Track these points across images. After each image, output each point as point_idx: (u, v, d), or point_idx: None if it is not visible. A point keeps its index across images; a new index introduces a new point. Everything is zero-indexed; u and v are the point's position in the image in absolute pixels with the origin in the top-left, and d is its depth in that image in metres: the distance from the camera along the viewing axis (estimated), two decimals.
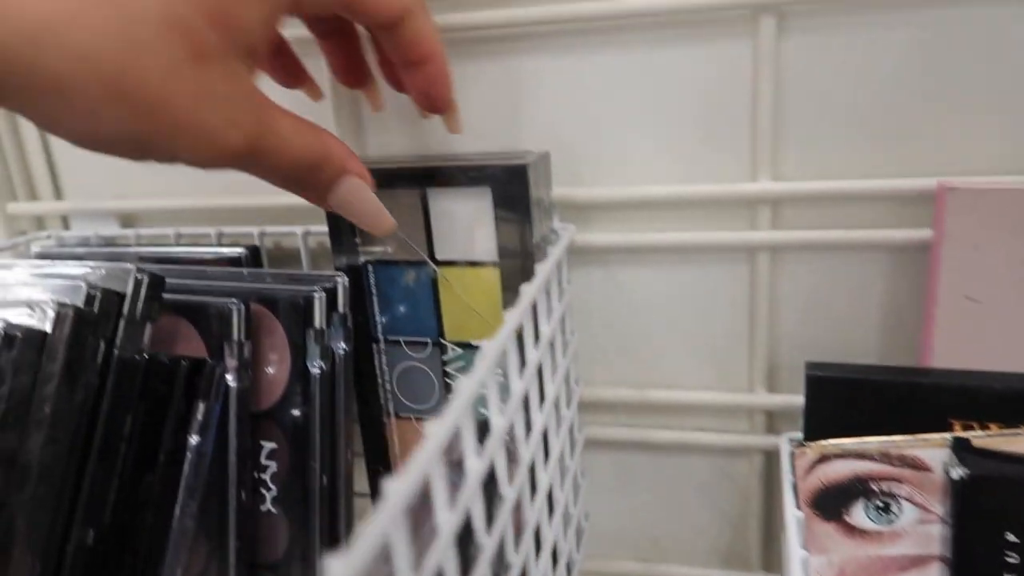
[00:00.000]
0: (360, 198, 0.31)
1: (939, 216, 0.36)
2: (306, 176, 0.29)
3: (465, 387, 0.23)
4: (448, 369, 0.40)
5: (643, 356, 0.45)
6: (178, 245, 0.48)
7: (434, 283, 0.39)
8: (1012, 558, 0.31)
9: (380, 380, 0.42)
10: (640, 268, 0.43)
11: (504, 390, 0.28)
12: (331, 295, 0.38)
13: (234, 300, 0.37)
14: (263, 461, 0.38)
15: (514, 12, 0.39)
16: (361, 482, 0.43)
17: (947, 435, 0.34)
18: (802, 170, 0.39)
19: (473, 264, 0.38)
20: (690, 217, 0.41)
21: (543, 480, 0.34)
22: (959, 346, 0.36)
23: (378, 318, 0.41)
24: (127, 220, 0.52)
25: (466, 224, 0.38)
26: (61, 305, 0.32)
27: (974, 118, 0.36)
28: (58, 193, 0.52)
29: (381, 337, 0.41)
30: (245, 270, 0.41)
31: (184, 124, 0.23)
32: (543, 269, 0.33)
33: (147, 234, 0.49)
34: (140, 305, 0.35)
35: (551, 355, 0.35)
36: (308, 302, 0.37)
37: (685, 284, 0.43)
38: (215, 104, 0.24)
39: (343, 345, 0.38)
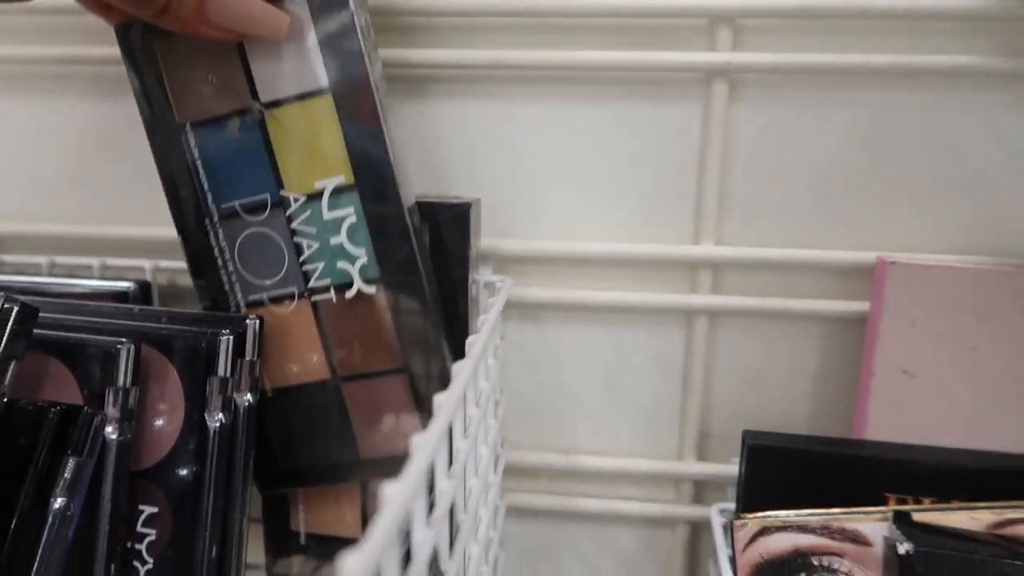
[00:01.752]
0: None
1: (878, 290, 0.36)
2: None
3: (423, 446, 0.20)
4: (295, 226, 0.34)
5: (572, 419, 0.42)
6: (51, 276, 0.41)
7: (262, 128, 0.33)
8: None
9: (221, 261, 0.35)
10: (574, 326, 0.41)
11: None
12: (239, 339, 0.34)
13: (122, 340, 0.32)
14: (140, 528, 0.33)
15: (460, 53, 0.37)
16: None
17: (886, 509, 0.33)
18: (744, 237, 0.39)
19: (302, 97, 0.33)
20: (629, 277, 0.40)
21: (475, 553, 0.30)
22: (894, 418, 0.36)
23: (206, 188, 0.34)
24: None
25: (288, 53, 0.33)
26: None
27: (913, 198, 0.37)
28: None
29: (213, 208, 0.35)
30: (135, 307, 0.36)
31: None
32: (487, 324, 0.31)
33: (13, 262, 0.42)
34: (4, 340, 0.29)
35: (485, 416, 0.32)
36: (212, 346, 0.33)
37: (619, 345, 0.41)
38: None
39: (248, 397, 0.34)
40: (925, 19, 0.35)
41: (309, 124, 0.33)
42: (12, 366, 0.30)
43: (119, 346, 0.32)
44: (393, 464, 0.33)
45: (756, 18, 0.36)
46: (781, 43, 0.36)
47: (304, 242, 0.34)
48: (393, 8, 0.37)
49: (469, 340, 0.29)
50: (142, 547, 0.33)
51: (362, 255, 0.34)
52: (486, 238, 0.39)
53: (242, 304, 0.36)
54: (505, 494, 0.42)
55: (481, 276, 0.39)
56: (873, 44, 0.36)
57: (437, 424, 0.21)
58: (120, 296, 0.39)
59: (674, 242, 0.39)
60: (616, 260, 0.39)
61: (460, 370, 0.25)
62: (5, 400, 0.30)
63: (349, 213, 0.33)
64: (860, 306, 0.38)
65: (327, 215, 0.34)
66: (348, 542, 0.40)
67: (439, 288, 0.36)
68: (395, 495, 0.17)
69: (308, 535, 0.40)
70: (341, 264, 0.34)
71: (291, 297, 0.35)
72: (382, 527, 0.16)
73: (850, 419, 0.40)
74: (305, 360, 0.36)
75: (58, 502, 0.29)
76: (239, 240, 0.35)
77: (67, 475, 0.29)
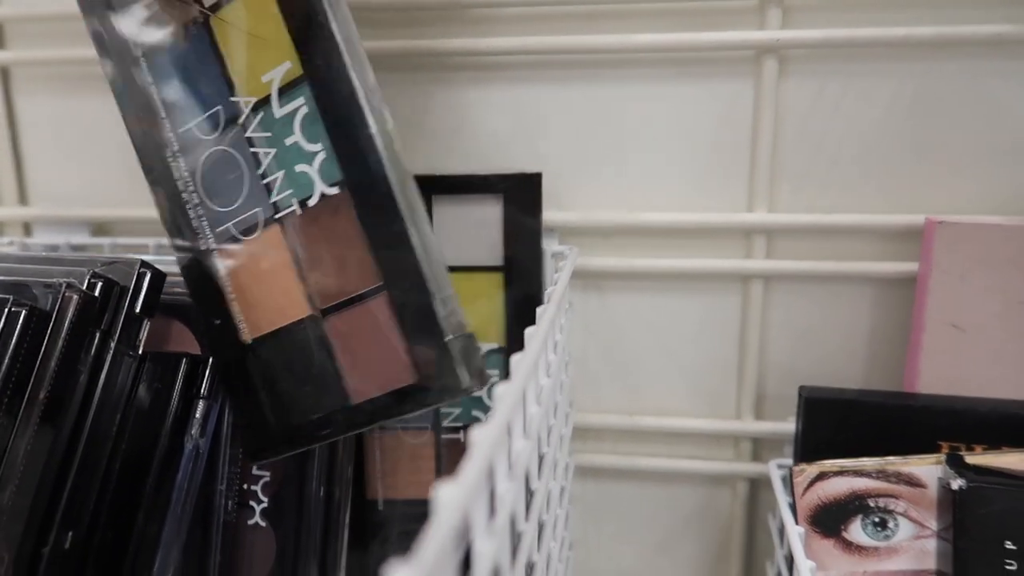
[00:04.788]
0: None
1: (927, 249, 0.38)
2: None
3: (507, 394, 0.21)
4: (249, 134, 0.31)
5: (634, 382, 0.45)
6: (157, 255, 0.46)
7: (209, 34, 0.31)
8: (1011, 565, 0.32)
9: (186, 196, 0.32)
10: (635, 294, 0.44)
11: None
12: None
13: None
14: (255, 471, 0.36)
15: (525, 40, 0.41)
16: None
17: (941, 454, 0.35)
18: (796, 203, 0.41)
19: None
20: (686, 245, 0.43)
21: (553, 510, 0.33)
22: (944, 371, 0.38)
23: (163, 114, 0.32)
24: (99, 229, 0.49)
25: None
26: (68, 286, 0.30)
27: (957, 162, 0.40)
28: (23, 199, 0.50)
29: (172, 137, 0.32)
30: None
31: None
32: (559, 288, 0.34)
33: (123, 244, 0.47)
34: (141, 300, 0.33)
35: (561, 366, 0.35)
36: None
37: (678, 311, 0.44)
38: None
39: None
40: None
41: (250, 15, 0.30)
42: (146, 323, 0.34)
43: None
44: (386, 410, 0.31)
45: None
46: (827, 19, 0.39)
47: (261, 151, 0.31)
48: (461, 1, 0.41)
49: (547, 292, 0.32)
50: (257, 488, 0.36)
51: (319, 150, 0.30)
52: (551, 211, 0.42)
53: (212, 243, 0.32)
54: (573, 454, 0.45)
55: (548, 247, 0.42)
56: (915, 16, 0.38)
57: (528, 354, 0.24)
58: None
59: (729, 210, 0.42)
60: (674, 229, 0.42)
61: (544, 313, 0.28)
62: (141, 352, 0.34)
63: (300, 104, 0.30)
64: (909, 267, 0.40)
65: (278, 112, 0.30)
66: (425, 504, 0.43)
67: (514, 257, 0.39)
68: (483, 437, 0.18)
69: (386, 501, 0.43)
70: (300, 167, 0.30)
71: (256, 224, 0.32)
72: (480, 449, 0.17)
73: (901, 376, 0.42)
74: (283, 297, 0.32)
75: (191, 440, 0.33)
76: (200, 165, 0.32)
77: (198, 416, 0.33)
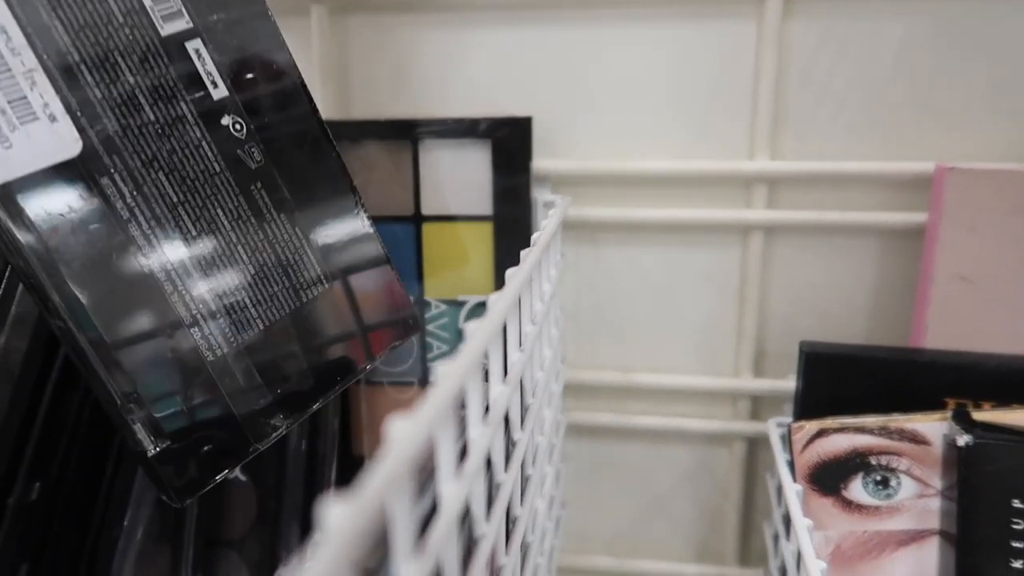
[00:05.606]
0: None
1: (936, 197, 0.36)
2: None
3: (478, 331, 0.19)
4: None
5: (629, 338, 0.44)
6: None
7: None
8: (1018, 524, 0.30)
9: None
10: (631, 246, 0.42)
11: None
12: None
13: None
14: None
15: None
16: None
17: (946, 410, 0.34)
18: (799, 151, 0.39)
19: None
20: (684, 195, 0.41)
21: (539, 466, 0.31)
22: (952, 326, 0.37)
23: None
24: None
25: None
26: None
27: (969, 107, 0.37)
28: None
29: None
30: None
31: None
32: (546, 232, 0.32)
33: None
34: None
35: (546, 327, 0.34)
36: None
37: (676, 264, 0.42)
38: None
39: None
40: None
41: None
42: None
43: None
44: None
45: None
46: None
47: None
48: None
49: (533, 237, 0.30)
50: None
51: None
52: (544, 159, 0.41)
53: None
54: (566, 412, 0.44)
55: (540, 196, 0.40)
56: None
57: (507, 293, 0.23)
58: None
59: (729, 158, 0.40)
60: (671, 178, 0.40)
61: (527, 255, 0.27)
62: None
63: None
64: (917, 217, 0.38)
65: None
66: None
67: (503, 207, 0.38)
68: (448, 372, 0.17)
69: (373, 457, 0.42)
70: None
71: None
72: (435, 399, 0.16)
73: (908, 332, 0.40)
74: None
75: None
76: None
77: None
